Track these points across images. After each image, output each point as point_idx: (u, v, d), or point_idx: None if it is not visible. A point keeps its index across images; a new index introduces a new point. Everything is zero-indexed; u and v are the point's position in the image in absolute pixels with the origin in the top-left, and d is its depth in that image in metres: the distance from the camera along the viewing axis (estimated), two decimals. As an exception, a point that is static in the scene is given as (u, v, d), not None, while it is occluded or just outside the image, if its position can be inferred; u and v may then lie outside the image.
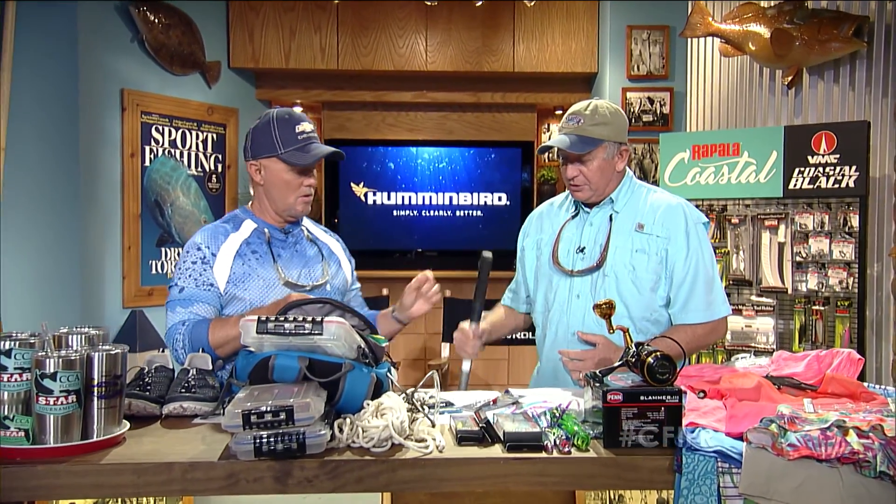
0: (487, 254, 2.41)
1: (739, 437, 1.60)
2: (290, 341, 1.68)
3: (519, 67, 5.56)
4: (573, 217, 2.50)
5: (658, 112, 5.26)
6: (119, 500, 1.86)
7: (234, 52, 5.45)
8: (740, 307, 4.03)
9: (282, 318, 1.68)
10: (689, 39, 4.81)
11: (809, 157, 3.87)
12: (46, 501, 1.68)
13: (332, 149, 2.31)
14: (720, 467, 1.57)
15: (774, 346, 3.91)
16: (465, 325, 2.44)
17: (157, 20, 4.74)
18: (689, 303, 2.34)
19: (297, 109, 6.14)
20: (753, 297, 4.06)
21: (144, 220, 4.76)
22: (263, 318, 1.68)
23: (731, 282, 4.12)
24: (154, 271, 4.82)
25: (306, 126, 2.27)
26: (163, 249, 4.88)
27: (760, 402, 1.83)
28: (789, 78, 4.23)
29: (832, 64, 4.10)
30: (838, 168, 3.77)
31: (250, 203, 2.40)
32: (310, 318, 1.67)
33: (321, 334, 1.66)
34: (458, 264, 5.64)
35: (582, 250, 2.42)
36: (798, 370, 2.03)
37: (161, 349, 4.16)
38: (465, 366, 2.47)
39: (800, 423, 1.60)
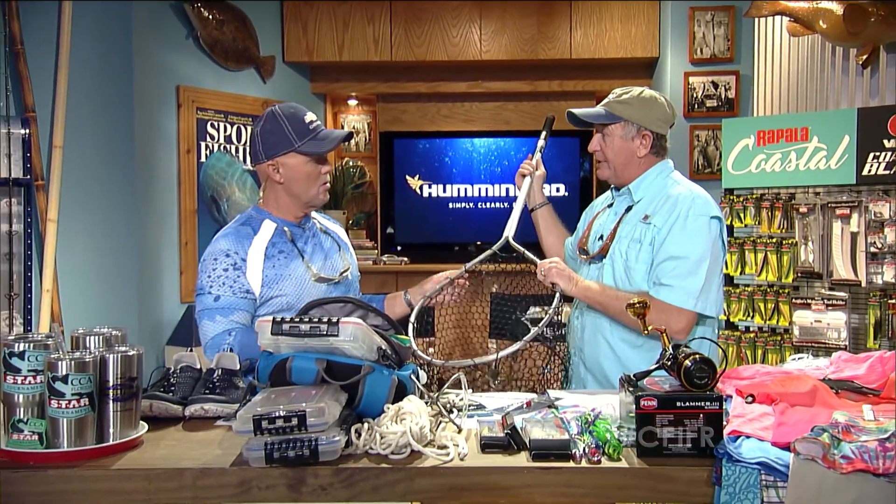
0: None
1: (787, 448, 1.47)
2: (306, 343, 1.63)
3: (576, 54, 5.39)
4: (609, 206, 2.52)
5: (723, 97, 5.03)
6: None
7: (288, 47, 5.45)
8: (809, 301, 3.81)
9: (297, 319, 1.62)
10: (755, 19, 4.58)
11: (885, 141, 3.62)
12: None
13: (345, 131, 2.32)
14: (764, 480, 1.45)
15: (847, 343, 3.69)
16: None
17: (211, 16, 4.77)
18: (660, 278, 2.23)
19: (353, 102, 6.14)
20: (824, 291, 3.83)
21: (201, 215, 4.80)
22: (279, 319, 1.62)
23: (798, 274, 3.90)
24: (211, 266, 4.87)
25: (311, 115, 2.27)
26: (220, 245, 4.92)
27: (814, 409, 1.69)
28: (864, 57, 3.97)
29: (910, 40, 3.83)
30: (917, 152, 3.52)
31: (260, 201, 2.34)
32: (325, 319, 1.61)
33: (337, 335, 1.60)
34: (516, 257, 5.51)
35: (601, 238, 2.44)
36: (859, 373, 1.87)
37: (189, 349, 4.18)
38: (525, 183, 2.66)
39: (856, 433, 1.46)
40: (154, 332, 4.46)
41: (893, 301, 3.58)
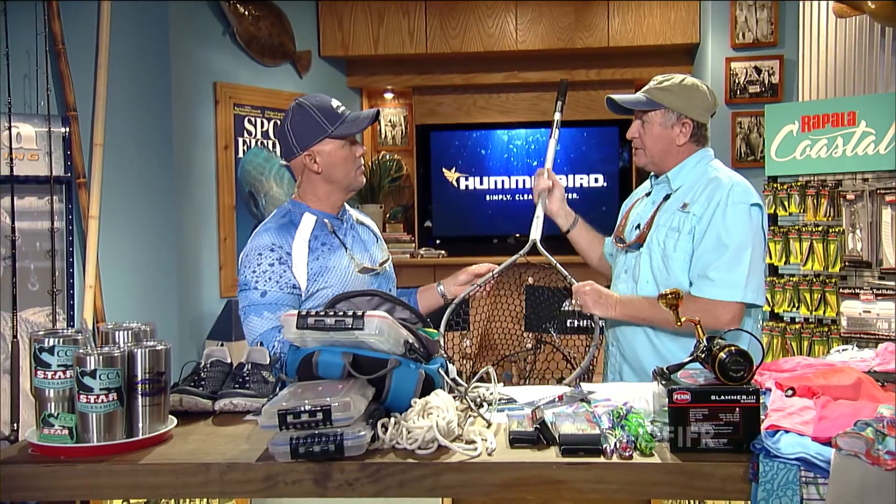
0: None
1: (828, 443, 1.41)
2: (331, 336, 1.61)
3: (614, 42, 5.30)
4: (647, 195, 2.48)
5: (766, 82, 4.90)
6: (171, 500, 1.84)
7: (323, 41, 5.47)
8: (857, 291, 3.69)
9: (322, 313, 1.60)
10: (799, 2, 4.45)
11: (937, 125, 3.49)
12: (98, 501, 1.68)
13: (374, 110, 2.33)
14: (804, 477, 1.39)
15: (896, 334, 3.57)
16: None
17: (247, 12, 4.79)
18: (705, 271, 2.19)
19: (389, 96, 6.13)
20: (873, 280, 3.71)
21: (239, 210, 4.84)
22: (304, 313, 1.61)
23: (846, 263, 3.78)
24: (250, 261, 4.91)
25: (337, 101, 2.27)
26: (258, 240, 4.95)
27: (858, 402, 1.62)
28: (913, 37, 3.83)
29: (963, 19, 3.68)
30: (969, 134, 3.38)
31: (295, 195, 2.33)
32: (351, 313, 1.59)
33: (362, 329, 1.58)
34: (553, 249, 5.46)
35: (638, 226, 2.41)
36: (907, 365, 1.79)
37: (220, 343, 4.20)
38: (539, 211, 2.59)
39: (902, 428, 1.39)
40: (194, 327, 4.51)
41: (946, 290, 3.46)
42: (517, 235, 5.73)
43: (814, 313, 3.89)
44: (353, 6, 5.44)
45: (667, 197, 2.37)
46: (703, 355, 1.54)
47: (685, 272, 2.24)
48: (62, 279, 3.45)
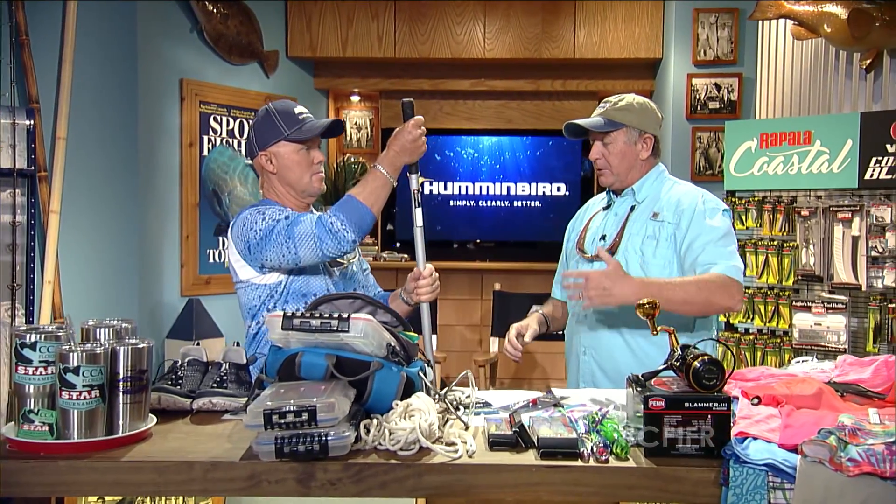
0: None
1: (794, 450, 1.48)
2: (316, 338, 1.63)
3: (580, 54, 5.39)
4: (605, 208, 2.57)
5: (725, 99, 5.04)
6: (148, 498, 1.84)
7: (291, 42, 5.44)
8: (809, 304, 3.82)
9: (307, 314, 1.62)
10: (759, 22, 4.59)
11: (888, 146, 3.64)
12: (75, 497, 1.67)
13: (330, 119, 2.38)
14: (771, 482, 1.46)
15: (846, 346, 3.70)
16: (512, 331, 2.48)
17: (215, 10, 4.76)
18: (712, 260, 2.24)
19: (355, 99, 6.13)
20: (824, 294, 3.85)
21: (202, 209, 4.80)
22: (289, 314, 1.63)
23: (799, 277, 3.92)
24: (212, 260, 4.87)
25: (301, 108, 2.36)
26: (220, 239, 4.91)
27: (820, 411, 1.70)
28: (867, 61, 3.98)
29: (914, 46, 3.85)
30: (919, 157, 3.53)
31: (262, 194, 2.43)
32: (336, 315, 1.62)
33: (348, 331, 1.61)
34: (516, 255, 5.56)
35: (603, 238, 2.47)
36: (864, 376, 1.88)
37: (196, 342, 4.17)
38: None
39: (863, 436, 1.47)
40: (154, 325, 4.45)
41: (893, 305, 3.60)
42: (477, 241, 5.79)
43: (767, 325, 4.02)
44: (322, 7, 5.44)
45: (632, 208, 2.46)
46: (677, 363, 1.60)
47: (665, 276, 2.31)
48: (22, 274, 3.38)
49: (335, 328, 1.60)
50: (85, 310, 3.82)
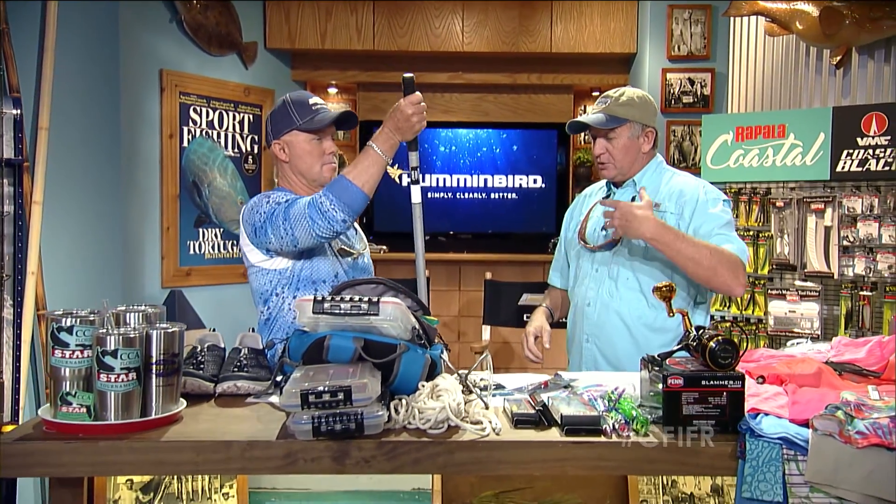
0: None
1: (804, 424, 1.57)
2: (345, 322, 1.67)
3: (556, 48, 5.47)
4: (605, 198, 2.59)
5: (699, 93, 5.17)
6: (173, 477, 1.86)
7: (270, 33, 5.44)
8: (784, 292, 3.96)
9: (338, 298, 1.66)
10: (732, 19, 4.72)
11: (859, 139, 3.78)
12: (104, 480, 1.69)
13: (342, 110, 2.43)
14: (785, 454, 1.54)
15: (819, 333, 3.84)
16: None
17: (195, 1, 4.73)
18: (711, 239, 2.33)
19: (333, 91, 6.14)
20: (798, 282, 3.99)
21: (183, 200, 4.78)
22: (319, 298, 1.67)
23: (774, 266, 4.05)
24: (192, 252, 4.85)
25: (318, 99, 2.42)
26: (200, 230, 4.90)
27: (822, 389, 1.79)
28: (838, 58, 4.13)
29: (883, 43, 4.00)
30: (889, 150, 3.68)
31: (277, 184, 2.48)
32: (366, 299, 1.66)
33: (377, 315, 1.65)
34: (492, 247, 5.63)
35: (605, 228, 2.49)
36: (859, 356, 1.98)
37: (185, 329, 4.17)
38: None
39: (867, 411, 1.56)
40: (136, 317, 4.42)
41: (864, 293, 3.75)
42: (453, 233, 5.84)
43: (743, 312, 4.15)
44: (300, 0, 5.44)
45: (633, 199, 2.50)
46: (693, 344, 1.67)
47: (668, 266, 2.39)
48: (11, 265, 3.34)
49: (365, 311, 1.65)
50: (68, 301, 3.78)
